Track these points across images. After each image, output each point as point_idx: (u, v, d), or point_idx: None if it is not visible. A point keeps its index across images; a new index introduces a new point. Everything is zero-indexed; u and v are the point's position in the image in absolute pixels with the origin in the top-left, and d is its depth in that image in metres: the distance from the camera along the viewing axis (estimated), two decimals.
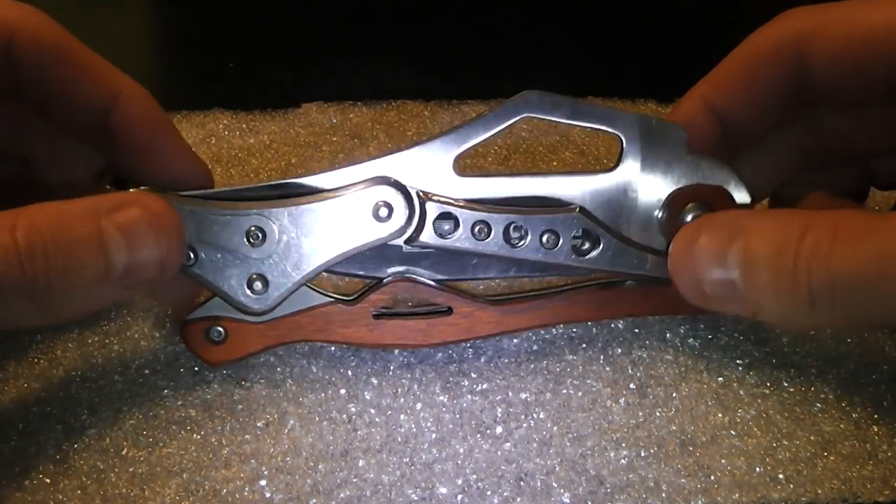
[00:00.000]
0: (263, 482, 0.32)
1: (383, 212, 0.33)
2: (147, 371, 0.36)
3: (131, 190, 0.33)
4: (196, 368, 0.36)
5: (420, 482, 0.32)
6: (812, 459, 0.33)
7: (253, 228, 0.32)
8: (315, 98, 0.52)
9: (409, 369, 0.36)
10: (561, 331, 0.37)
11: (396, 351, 0.37)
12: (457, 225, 0.34)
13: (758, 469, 0.32)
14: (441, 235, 0.34)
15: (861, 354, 0.36)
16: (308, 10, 0.57)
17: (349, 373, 0.36)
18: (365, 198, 0.33)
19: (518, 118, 0.34)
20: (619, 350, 0.37)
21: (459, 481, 0.32)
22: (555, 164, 0.48)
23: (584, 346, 0.37)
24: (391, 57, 0.52)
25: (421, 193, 0.33)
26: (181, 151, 0.35)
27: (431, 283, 0.35)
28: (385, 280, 0.35)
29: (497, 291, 0.39)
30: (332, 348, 0.37)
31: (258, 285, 0.33)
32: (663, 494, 0.31)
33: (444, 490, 0.32)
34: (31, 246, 0.27)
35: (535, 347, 0.37)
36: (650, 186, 0.34)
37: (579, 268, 0.34)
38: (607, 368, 0.36)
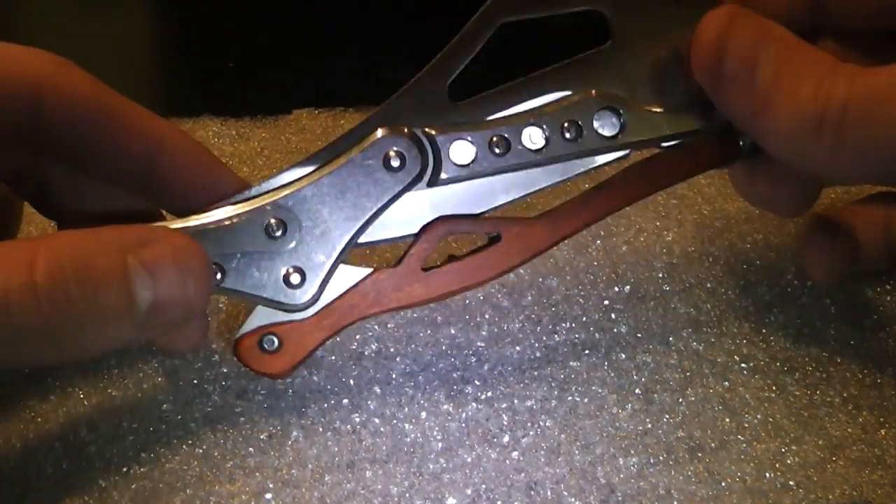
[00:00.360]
0: (269, 495, 0.32)
1: (395, 161, 0.31)
2: (146, 385, 0.35)
3: (156, 224, 0.31)
4: (195, 381, 0.35)
5: (429, 493, 0.32)
6: (821, 464, 0.32)
7: (271, 222, 0.31)
8: (315, 98, 0.52)
9: (411, 377, 0.36)
10: (563, 337, 0.37)
11: (398, 358, 0.36)
12: (474, 148, 0.32)
13: (768, 475, 0.32)
14: (461, 165, 0.32)
15: (865, 357, 0.36)
16: (308, 11, 0.56)
17: (351, 382, 0.36)
18: (372, 154, 0.31)
19: (495, 27, 0.32)
20: (623, 355, 0.36)
21: (469, 491, 0.32)
22: None
23: (587, 352, 0.37)
24: (391, 57, 0.52)
25: (425, 131, 0.32)
26: (227, 185, 0.33)
27: (469, 215, 0.34)
28: (421, 229, 0.33)
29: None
30: (333, 356, 0.36)
31: (295, 278, 0.31)
32: (675, 502, 0.31)
33: (453, 500, 0.31)
34: (52, 286, 0.26)
35: (537, 354, 0.37)
36: (651, 48, 0.33)
37: (613, 149, 0.33)
38: (612, 374, 0.36)
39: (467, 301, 0.38)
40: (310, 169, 0.32)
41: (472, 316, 0.38)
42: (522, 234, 0.33)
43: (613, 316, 0.38)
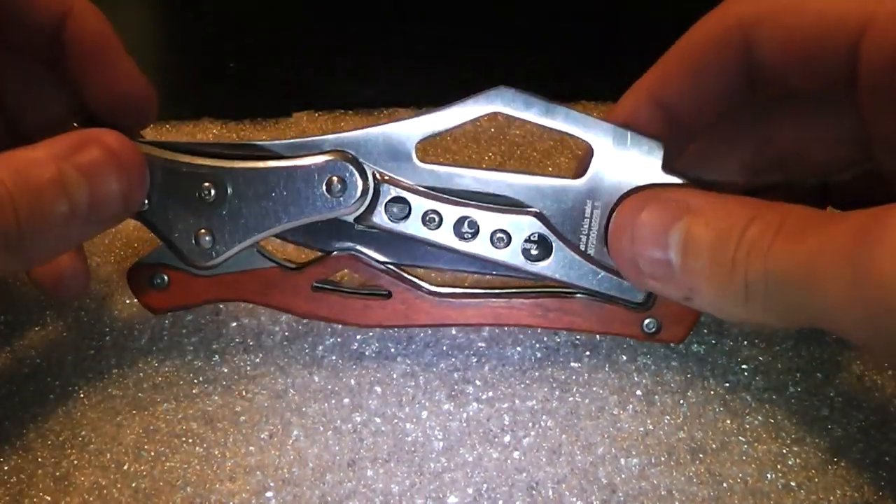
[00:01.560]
0: (270, 494, 0.32)
1: (337, 186, 0.32)
2: (146, 385, 0.35)
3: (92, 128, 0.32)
4: (195, 381, 0.35)
5: (430, 492, 0.32)
6: (823, 466, 0.32)
7: (208, 184, 0.33)
8: (315, 101, 0.51)
9: (412, 377, 0.36)
10: (564, 338, 0.37)
11: (399, 359, 0.36)
12: (409, 211, 0.33)
13: (769, 476, 0.32)
14: (392, 219, 0.33)
15: (866, 358, 0.36)
16: (308, 11, 0.56)
17: (352, 381, 0.35)
18: (321, 170, 0.33)
19: (487, 112, 0.33)
20: (624, 357, 0.36)
21: (470, 490, 0.32)
22: (550, 168, 0.48)
23: (588, 353, 0.37)
24: (391, 58, 0.52)
25: (378, 174, 0.33)
26: (128, 70, 0.35)
27: (375, 264, 0.35)
28: (330, 254, 0.35)
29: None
30: (333, 356, 0.36)
31: (206, 240, 0.33)
32: (676, 503, 0.31)
33: (454, 499, 0.31)
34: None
35: (538, 355, 0.37)
36: (615, 200, 0.33)
37: (527, 272, 0.34)
38: (613, 376, 0.36)
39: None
40: (269, 148, 0.33)
41: None
42: (407, 301, 0.35)
43: None
